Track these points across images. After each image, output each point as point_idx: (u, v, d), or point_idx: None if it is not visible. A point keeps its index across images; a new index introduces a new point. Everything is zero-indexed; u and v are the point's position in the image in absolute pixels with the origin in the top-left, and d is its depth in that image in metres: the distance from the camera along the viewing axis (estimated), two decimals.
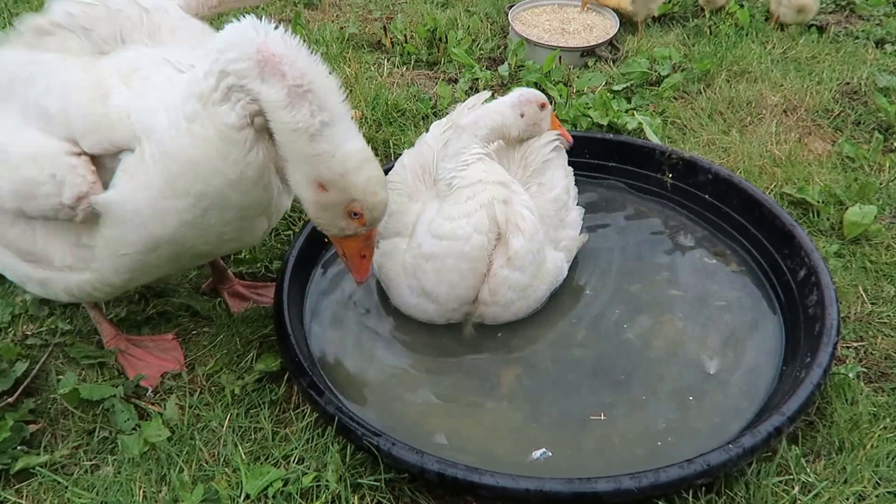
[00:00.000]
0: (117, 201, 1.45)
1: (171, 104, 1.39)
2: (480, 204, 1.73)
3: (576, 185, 2.12)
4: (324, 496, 1.50)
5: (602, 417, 1.66)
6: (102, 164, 1.47)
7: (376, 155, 2.64)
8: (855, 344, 1.89)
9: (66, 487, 1.56)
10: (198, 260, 1.71)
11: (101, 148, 1.45)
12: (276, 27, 1.35)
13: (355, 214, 1.43)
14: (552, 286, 1.94)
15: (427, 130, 2.10)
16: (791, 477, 1.54)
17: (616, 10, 3.39)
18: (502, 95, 2.13)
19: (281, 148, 1.37)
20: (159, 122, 1.39)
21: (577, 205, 2.10)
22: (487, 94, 2.19)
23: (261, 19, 1.35)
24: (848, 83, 2.97)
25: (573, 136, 2.41)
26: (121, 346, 1.86)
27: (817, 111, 2.82)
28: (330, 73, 1.35)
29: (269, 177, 1.44)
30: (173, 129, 1.37)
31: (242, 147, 1.36)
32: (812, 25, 3.47)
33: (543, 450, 1.61)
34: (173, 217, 1.43)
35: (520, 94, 1.92)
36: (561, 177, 2.01)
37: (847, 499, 1.50)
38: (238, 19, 1.36)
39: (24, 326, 1.96)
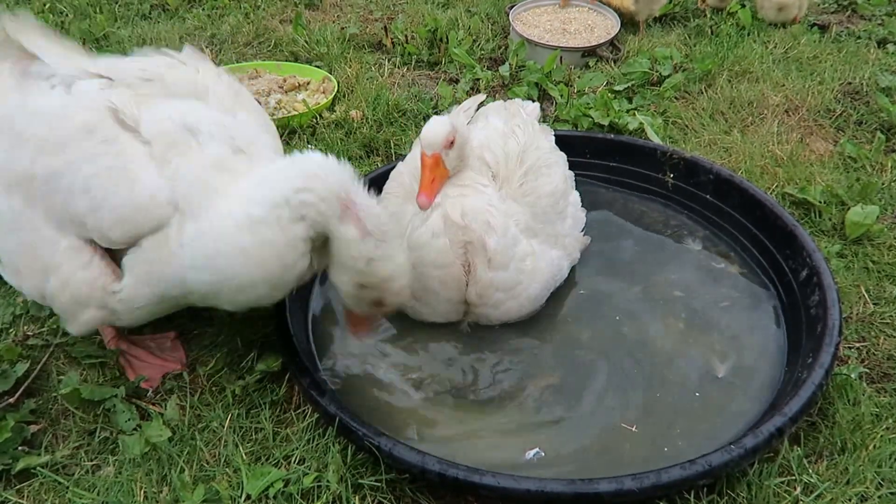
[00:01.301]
0: (141, 263, 1.50)
1: (230, 194, 1.47)
2: (433, 208, 1.75)
3: (577, 184, 2.12)
4: (325, 497, 1.50)
5: (634, 429, 1.65)
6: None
7: (377, 155, 2.66)
8: (857, 344, 1.89)
9: (67, 488, 1.56)
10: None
11: (129, 238, 1.49)
12: (354, 176, 1.49)
13: (379, 304, 1.60)
14: (549, 286, 1.93)
15: None
16: (793, 477, 1.54)
17: (618, 10, 3.39)
18: (503, 96, 2.15)
19: (336, 257, 1.52)
20: (214, 205, 1.46)
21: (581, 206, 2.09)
22: (483, 96, 2.19)
23: (328, 155, 1.51)
24: (850, 83, 2.97)
25: (574, 137, 2.42)
26: (122, 347, 1.85)
27: (819, 111, 2.82)
28: (387, 212, 1.57)
29: (305, 263, 1.52)
30: (233, 219, 1.45)
31: (299, 253, 1.48)
32: (814, 25, 3.47)
33: (536, 449, 1.61)
34: (199, 285, 1.50)
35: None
36: (558, 172, 2.00)
37: (849, 500, 1.50)
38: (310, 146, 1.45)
39: (26, 327, 1.96)
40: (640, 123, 2.67)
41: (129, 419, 1.70)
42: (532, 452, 1.61)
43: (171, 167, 1.46)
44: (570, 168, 2.10)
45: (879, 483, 1.53)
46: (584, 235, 2.08)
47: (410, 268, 1.57)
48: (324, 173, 1.47)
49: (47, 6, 3.65)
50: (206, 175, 1.48)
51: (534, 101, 2.92)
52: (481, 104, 2.18)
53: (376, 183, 2.06)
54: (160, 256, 1.48)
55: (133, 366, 1.82)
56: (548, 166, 1.97)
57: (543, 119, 2.32)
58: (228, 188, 1.48)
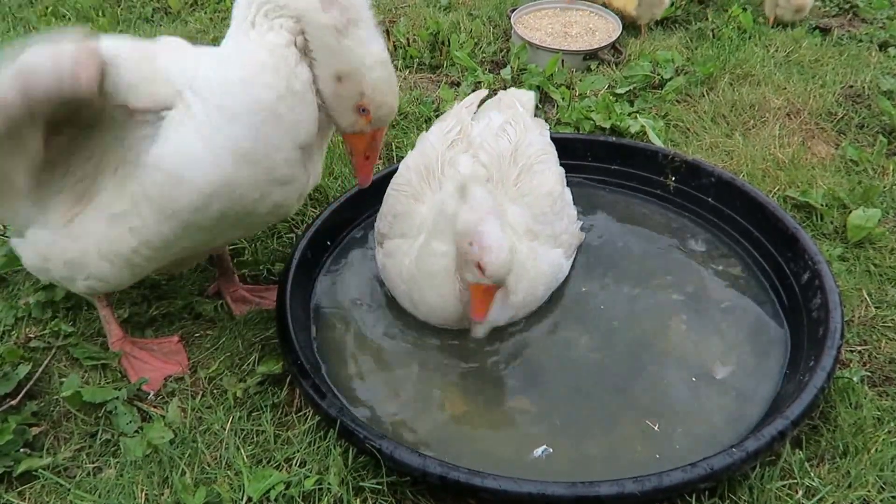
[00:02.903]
0: (168, 152, 1.47)
1: (212, 52, 1.50)
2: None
3: (578, 187, 2.12)
4: (326, 499, 1.50)
5: (656, 428, 1.66)
6: (146, 122, 1.49)
7: (378, 158, 2.66)
8: (859, 348, 1.89)
9: (69, 490, 1.56)
10: (238, 228, 1.69)
11: (148, 101, 1.47)
12: None
13: (363, 110, 1.53)
14: (550, 284, 1.94)
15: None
16: (795, 481, 1.54)
17: (619, 14, 3.39)
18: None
19: (314, 51, 1.46)
20: (203, 67, 1.47)
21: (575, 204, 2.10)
22: (485, 92, 2.19)
23: None
24: (851, 86, 2.97)
25: (576, 140, 2.42)
26: (125, 349, 1.86)
27: (820, 114, 2.82)
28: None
29: (312, 96, 1.50)
30: (221, 64, 1.46)
31: (289, 62, 1.44)
32: (816, 28, 3.47)
33: (544, 447, 1.62)
34: (228, 151, 1.46)
35: (483, 240, 1.63)
36: (553, 172, 2.00)
37: (851, 503, 1.50)
38: None
39: (27, 329, 1.96)
40: (642, 126, 2.67)
41: (130, 421, 1.70)
42: (540, 450, 1.61)
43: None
44: (571, 171, 2.10)
45: (881, 487, 1.53)
46: (579, 230, 2.10)
47: (388, 63, 1.51)
48: None
49: (50, 10, 3.66)
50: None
51: (535, 103, 2.92)
52: (484, 99, 2.19)
53: (378, 185, 2.07)
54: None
55: (135, 368, 1.83)
56: (541, 163, 1.97)
57: (545, 121, 2.32)
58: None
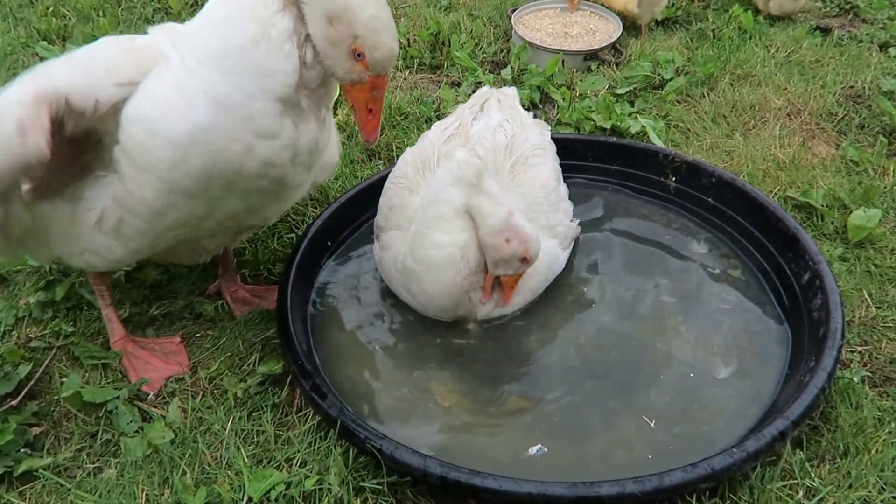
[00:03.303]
0: (143, 103, 1.44)
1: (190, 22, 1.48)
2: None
3: (579, 187, 2.13)
4: (326, 499, 1.50)
5: (652, 424, 1.66)
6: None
7: (378, 158, 2.66)
8: (859, 348, 1.89)
9: (69, 490, 1.56)
10: (233, 195, 1.58)
11: (132, 75, 1.46)
12: None
13: (359, 55, 1.45)
14: (547, 276, 1.95)
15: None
16: (795, 481, 1.53)
17: (620, 14, 3.39)
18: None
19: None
20: (185, 28, 1.47)
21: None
22: (489, 90, 2.19)
23: None
24: (852, 87, 2.97)
25: (576, 140, 2.42)
26: (127, 348, 1.85)
27: (821, 115, 2.81)
28: None
29: (291, 47, 1.43)
30: (203, 14, 1.45)
31: (270, 6, 1.40)
32: (816, 28, 3.47)
33: (539, 446, 1.62)
34: (200, 95, 1.41)
35: (521, 233, 1.72)
36: (548, 167, 2.01)
37: (852, 503, 1.50)
38: None
39: (28, 329, 1.96)
40: (643, 127, 2.67)
41: (130, 421, 1.70)
42: (535, 448, 1.62)
43: None
44: (572, 171, 2.11)
45: (882, 487, 1.53)
46: (575, 225, 2.11)
47: (382, 2, 1.44)
48: None
49: (50, 10, 3.66)
50: None
51: (536, 103, 2.93)
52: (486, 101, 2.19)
53: (377, 187, 2.07)
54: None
55: (136, 368, 1.82)
56: (536, 157, 1.99)
57: (546, 122, 2.32)
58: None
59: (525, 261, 1.75)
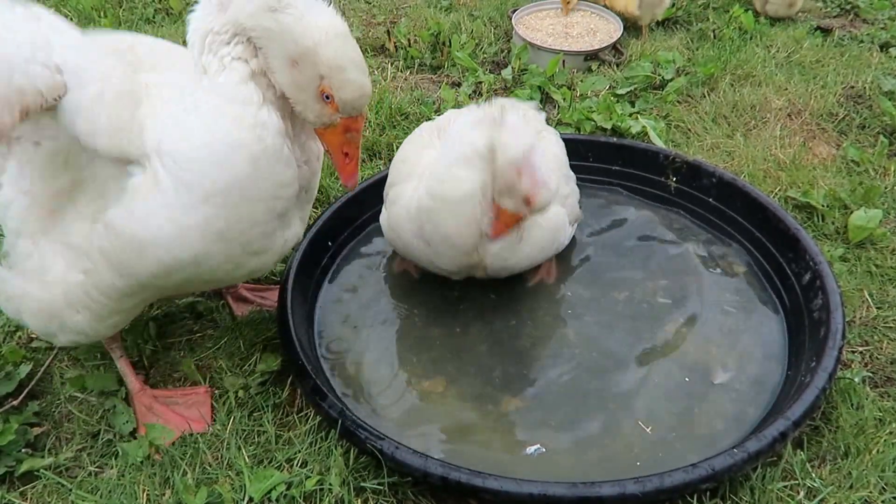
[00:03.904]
0: (131, 222, 1.36)
1: (174, 111, 1.36)
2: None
3: (579, 187, 2.12)
4: (327, 500, 1.50)
5: (648, 430, 1.66)
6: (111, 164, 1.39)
7: (379, 158, 2.65)
8: (860, 348, 1.89)
9: (70, 490, 1.56)
10: (207, 286, 1.60)
11: (116, 151, 1.36)
12: None
13: (327, 98, 1.37)
14: (553, 240, 1.93)
15: None
16: (796, 482, 1.53)
17: (621, 14, 3.39)
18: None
19: (262, 47, 1.33)
20: (167, 131, 1.35)
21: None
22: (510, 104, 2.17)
23: None
24: (852, 87, 2.97)
25: (577, 140, 2.42)
26: (144, 403, 1.71)
27: (822, 115, 2.81)
28: None
29: (288, 152, 1.40)
30: (182, 124, 1.34)
31: (250, 103, 1.34)
32: (817, 28, 3.47)
33: (538, 446, 1.62)
34: (198, 231, 1.36)
35: (533, 172, 1.63)
36: (554, 140, 2.02)
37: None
38: None
39: (30, 329, 1.96)
40: (643, 127, 2.67)
41: (126, 421, 1.70)
42: (533, 448, 1.62)
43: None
44: (572, 171, 2.10)
45: (883, 488, 1.53)
46: (579, 208, 2.11)
47: (346, 35, 1.35)
48: (196, 7, 1.37)
49: (52, 10, 3.66)
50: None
51: (537, 105, 2.92)
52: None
53: (378, 187, 2.07)
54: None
55: (147, 419, 1.69)
56: (547, 132, 2.01)
57: (546, 122, 2.33)
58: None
59: (528, 203, 1.64)
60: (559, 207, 1.93)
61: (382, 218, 1.97)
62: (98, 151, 1.35)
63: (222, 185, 1.34)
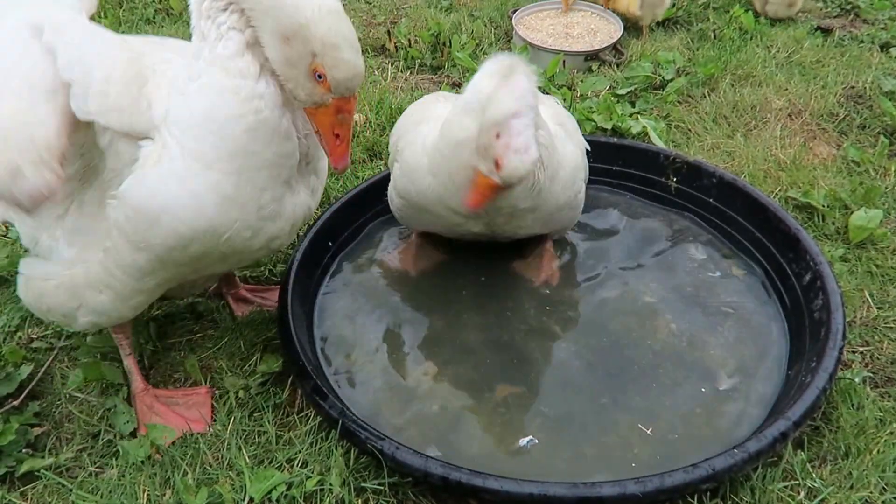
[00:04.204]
0: (144, 193, 1.38)
1: (178, 79, 1.39)
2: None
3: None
4: (327, 500, 1.50)
5: (649, 432, 1.66)
6: (117, 147, 1.41)
7: (379, 159, 2.65)
8: (861, 349, 1.89)
9: (71, 490, 1.56)
10: (226, 264, 1.60)
11: (127, 127, 1.38)
12: None
13: (319, 76, 1.34)
14: (575, 175, 1.88)
15: None
16: (797, 482, 1.53)
17: (622, 15, 3.39)
18: None
19: (253, 20, 1.33)
20: (172, 101, 1.38)
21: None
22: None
23: None
24: (853, 87, 2.97)
25: None
26: (146, 402, 1.73)
27: (822, 115, 2.81)
28: None
29: (287, 122, 1.41)
30: (185, 97, 1.36)
31: (247, 76, 1.34)
32: (817, 28, 3.47)
33: (530, 437, 1.64)
34: (210, 196, 1.38)
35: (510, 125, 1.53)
36: (554, 102, 2.05)
37: None
38: None
39: (30, 330, 1.96)
40: (644, 127, 2.67)
41: (127, 421, 1.71)
42: (526, 440, 1.63)
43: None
44: None
45: (883, 488, 1.53)
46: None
47: (339, 11, 1.33)
48: None
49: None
50: None
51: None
52: None
53: (379, 187, 2.07)
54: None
55: (148, 419, 1.70)
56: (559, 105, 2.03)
57: None
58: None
59: (497, 167, 1.52)
60: (573, 147, 1.88)
61: (393, 178, 1.94)
62: (111, 129, 1.38)
63: (224, 153, 1.37)
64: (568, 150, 1.86)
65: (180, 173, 1.37)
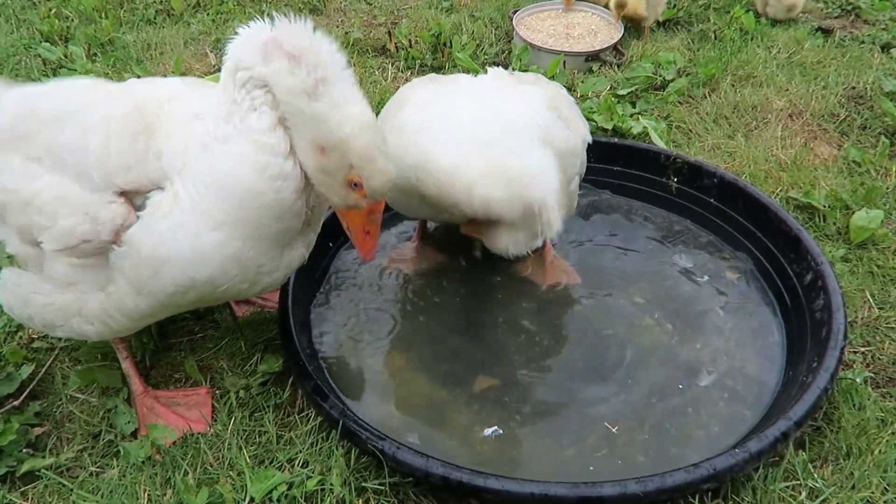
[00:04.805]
0: (151, 241, 1.40)
1: (201, 133, 1.39)
2: None
3: (580, 189, 2.12)
4: (328, 500, 1.50)
5: (614, 430, 1.67)
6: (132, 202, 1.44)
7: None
8: (862, 349, 1.88)
9: (72, 490, 1.56)
10: (219, 302, 1.65)
11: (136, 184, 1.41)
12: (283, 24, 1.33)
13: (355, 185, 1.38)
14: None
15: None
16: (798, 482, 1.53)
17: (631, 19, 3.38)
18: None
19: (289, 120, 1.35)
20: (191, 154, 1.38)
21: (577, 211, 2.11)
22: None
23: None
24: (854, 87, 2.97)
25: None
26: (146, 404, 1.73)
27: (823, 115, 2.81)
28: (334, 45, 1.34)
29: (301, 204, 1.43)
30: (209, 155, 1.37)
31: (277, 154, 1.35)
32: (818, 29, 3.47)
33: (495, 427, 1.66)
34: (215, 254, 1.40)
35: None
36: (552, 85, 2.04)
37: None
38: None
39: (31, 330, 1.96)
40: (644, 128, 2.67)
41: (128, 421, 1.71)
42: (490, 430, 1.66)
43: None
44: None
45: (885, 488, 1.53)
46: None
47: (375, 125, 1.36)
48: (245, 30, 1.35)
49: (53, 11, 3.67)
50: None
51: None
52: None
53: None
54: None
55: (149, 420, 1.71)
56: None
57: None
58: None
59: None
60: (570, 133, 1.88)
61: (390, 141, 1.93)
62: (119, 188, 1.41)
63: (235, 220, 1.38)
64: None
65: (189, 228, 1.38)
